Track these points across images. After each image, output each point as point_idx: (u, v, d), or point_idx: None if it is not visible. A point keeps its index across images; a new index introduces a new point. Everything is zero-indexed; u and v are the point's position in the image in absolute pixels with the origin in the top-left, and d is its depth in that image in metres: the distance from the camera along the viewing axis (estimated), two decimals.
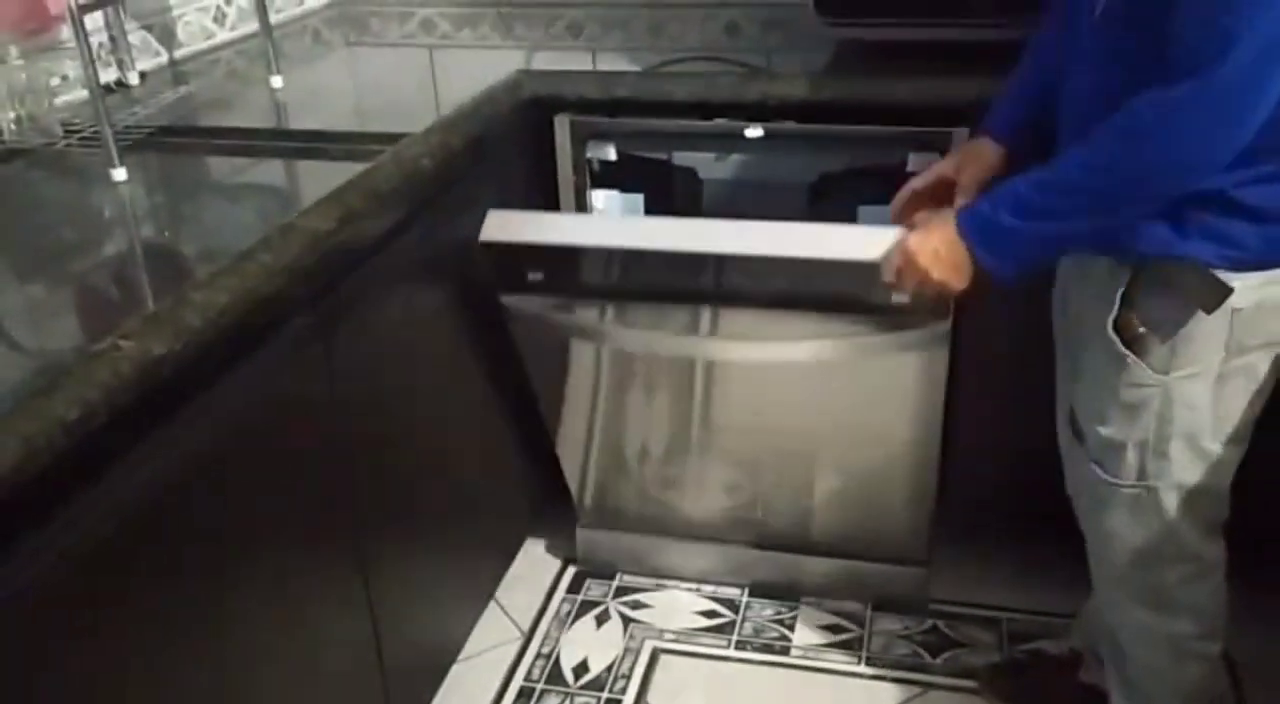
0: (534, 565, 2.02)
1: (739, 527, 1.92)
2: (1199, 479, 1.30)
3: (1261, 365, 1.24)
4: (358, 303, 1.31)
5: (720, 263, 1.53)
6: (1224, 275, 1.16)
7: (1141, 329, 1.21)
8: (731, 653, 1.83)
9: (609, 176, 1.76)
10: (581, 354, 1.70)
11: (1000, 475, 1.83)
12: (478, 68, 1.84)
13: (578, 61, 1.95)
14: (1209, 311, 1.17)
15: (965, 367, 1.72)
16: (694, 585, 1.97)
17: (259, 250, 1.08)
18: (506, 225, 1.51)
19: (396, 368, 1.43)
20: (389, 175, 1.31)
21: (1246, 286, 1.16)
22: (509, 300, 1.62)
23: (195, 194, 1.36)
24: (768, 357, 1.62)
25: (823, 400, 1.68)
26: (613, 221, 1.74)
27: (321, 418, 1.25)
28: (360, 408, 1.34)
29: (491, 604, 1.91)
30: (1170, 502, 1.31)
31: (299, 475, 1.22)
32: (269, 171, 1.42)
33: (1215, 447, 1.28)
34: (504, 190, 1.70)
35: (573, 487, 1.94)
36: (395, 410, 1.44)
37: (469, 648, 1.79)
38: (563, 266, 1.57)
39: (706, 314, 1.60)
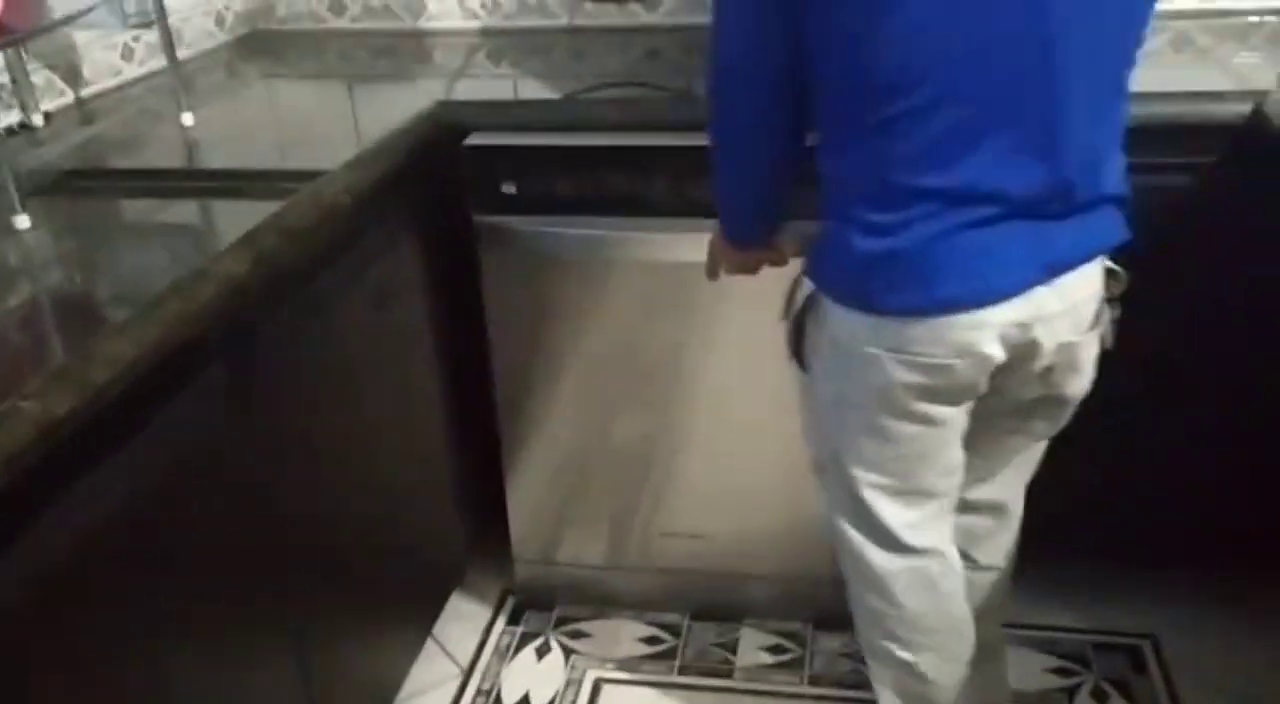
0: (472, 599, 1.99)
1: (680, 550, 1.91)
2: None
3: None
4: (277, 347, 1.28)
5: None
6: None
7: None
8: (675, 679, 1.82)
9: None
10: (550, 285, 1.71)
11: None
12: (398, 98, 1.82)
13: (499, 90, 1.94)
14: None
15: None
16: (635, 612, 1.95)
17: (169, 297, 1.05)
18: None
19: (321, 410, 1.40)
20: (304, 213, 1.28)
21: None
22: (482, 220, 1.67)
23: (104, 239, 1.31)
24: None
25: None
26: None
27: (242, 467, 1.22)
28: (283, 454, 1.30)
29: (429, 641, 1.87)
30: None
31: (218, 528, 1.18)
32: (181, 213, 1.39)
33: None
34: (425, 223, 1.68)
35: (513, 516, 1.92)
36: (322, 453, 1.41)
37: (407, 688, 1.76)
38: (538, 175, 1.62)
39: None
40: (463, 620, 1.95)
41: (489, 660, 1.88)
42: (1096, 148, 1.13)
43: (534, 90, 1.86)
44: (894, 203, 1.09)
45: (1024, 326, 1.14)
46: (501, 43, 2.13)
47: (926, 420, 1.22)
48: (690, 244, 1.52)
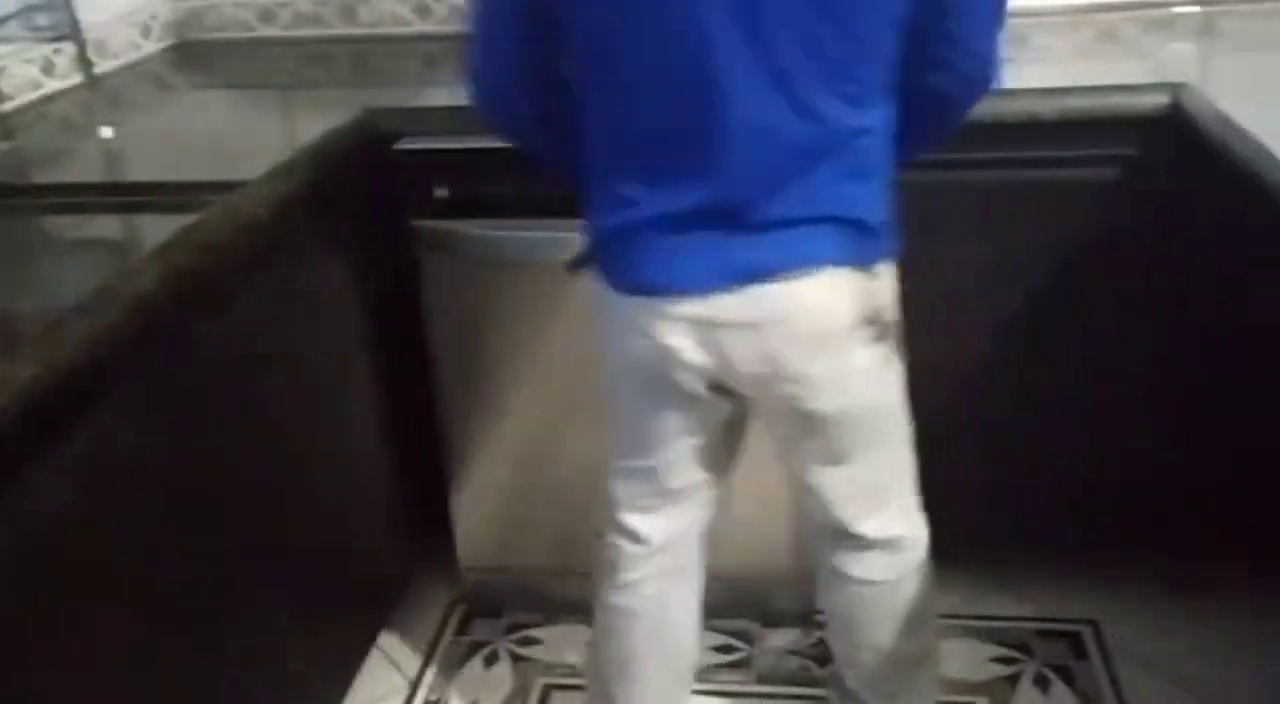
0: (420, 609, 1.98)
1: None
2: None
3: None
4: (200, 362, 1.26)
5: None
6: None
7: None
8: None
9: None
10: (490, 289, 1.70)
11: None
12: (332, 106, 1.80)
13: (436, 96, 1.92)
14: None
15: None
16: (585, 617, 1.94)
17: (72, 317, 1.03)
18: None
19: (250, 425, 1.38)
20: (219, 227, 1.27)
21: None
22: (418, 225, 1.65)
23: (16, 257, 1.29)
24: None
25: None
26: None
27: (162, 489, 1.20)
28: (208, 472, 1.29)
29: (374, 653, 1.86)
30: None
31: (141, 553, 1.17)
32: (96, 228, 1.37)
33: None
34: (357, 230, 1.66)
35: (458, 523, 1.90)
36: (254, 469, 1.39)
37: (352, 701, 1.74)
38: (471, 176, 1.61)
39: None
40: (410, 631, 1.93)
41: (436, 671, 1.86)
42: (775, 168, 1.12)
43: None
44: (610, 191, 1.20)
45: (707, 327, 1.19)
46: (437, 48, 2.11)
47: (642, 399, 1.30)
48: None
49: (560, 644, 1.90)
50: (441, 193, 1.64)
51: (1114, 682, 1.74)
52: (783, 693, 1.78)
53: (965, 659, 1.81)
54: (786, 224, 1.14)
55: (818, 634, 1.88)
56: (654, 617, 1.47)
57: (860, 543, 1.39)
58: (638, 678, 1.49)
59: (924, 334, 1.67)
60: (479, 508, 1.89)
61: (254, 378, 1.38)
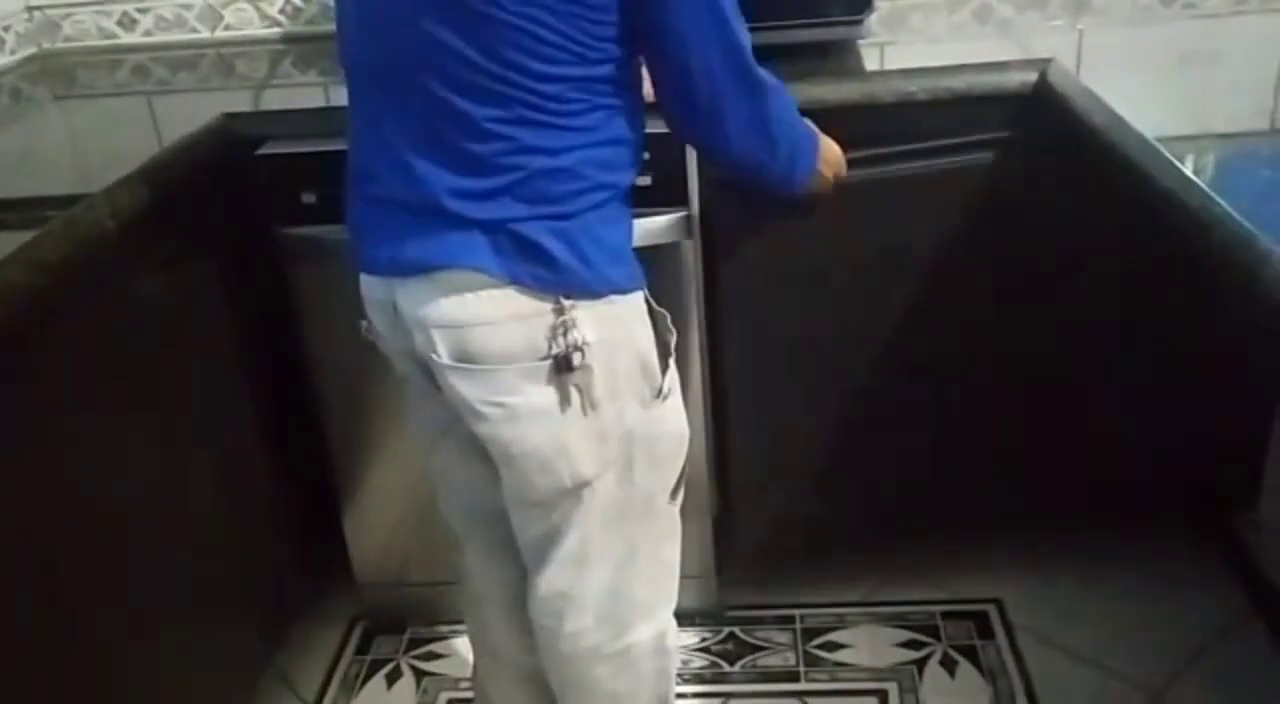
0: (317, 629, 1.92)
1: None
2: None
3: None
4: (45, 391, 1.19)
5: None
6: None
7: None
8: None
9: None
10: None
11: (779, 471, 1.85)
12: (198, 113, 1.72)
13: (309, 97, 1.86)
14: None
15: (726, 358, 1.73)
16: None
17: None
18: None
19: (112, 447, 1.31)
20: (58, 243, 1.20)
21: None
22: (285, 232, 1.59)
23: None
24: None
25: None
26: None
27: (12, 535, 1.13)
28: (65, 512, 1.22)
29: (271, 679, 1.79)
30: None
31: (7, 591, 1.10)
32: None
33: None
34: (221, 239, 1.60)
35: (352, 539, 1.85)
36: (115, 503, 1.32)
37: None
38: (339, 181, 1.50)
39: None
40: (308, 653, 1.87)
41: (337, 692, 1.80)
42: (409, 157, 1.10)
43: (342, 96, 1.78)
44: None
45: (390, 313, 1.18)
46: (307, 49, 2.05)
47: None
48: None
49: (464, 656, 1.85)
50: (309, 199, 1.58)
51: (1018, 658, 1.75)
52: (691, 692, 1.75)
53: (873, 646, 1.81)
54: (432, 216, 1.09)
55: (726, 630, 1.86)
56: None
57: (532, 595, 1.30)
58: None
59: (822, 321, 1.68)
60: (372, 522, 1.83)
61: (100, 397, 1.31)
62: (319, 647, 1.89)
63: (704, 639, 1.85)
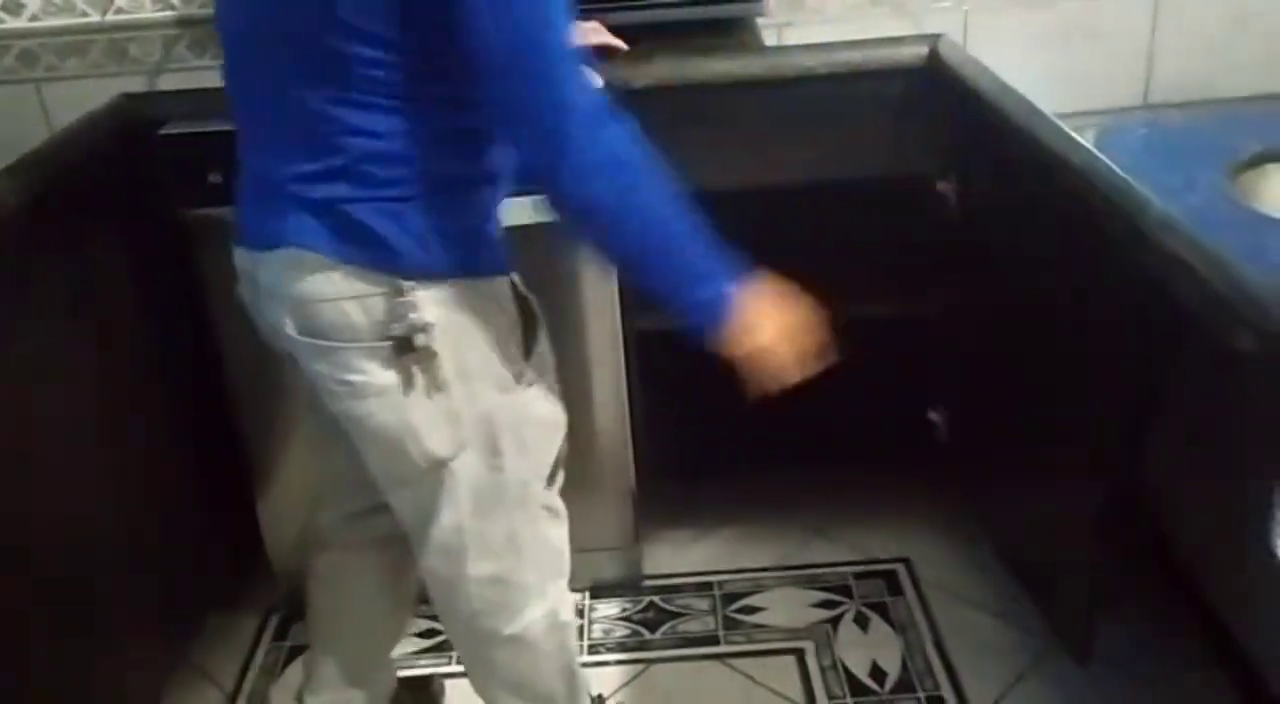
0: (233, 618, 1.89)
1: None
2: None
3: None
4: None
5: None
6: None
7: None
8: (453, 668, 1.78)
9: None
10: None
11: (693, 440, 1.89)
12: (91, 98, 1.68)
13: (207, 82, 1.83)
14: None
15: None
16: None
17: None
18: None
19: (9, 444, 1.28)
20: None
21: None
22: (190, 214, 1.57)
23: None
24: None
25: None
26: None
27: None
28: None
29: (188, 671, 1.76)
30: None
31: None
32: None
33: None
34: (122, 221, 1.56)
35: (266, 525, 1.82)
36: (17, 498, 1.29)
37: None
38: None
39: None
40: (225, 642, 1.85)
41: (255, 680, 1.78)
42: (263, 133, 1.14)
43: None
44: None
45: (254, 285, 1.19)
46: (202, 32, 2.01)
47: None
48: None
49: None
50: (215, 179, 1.56)
51: (927, 613, 1.83)
52: (613, 660, 1.78)
53: (789, 607, 1.86)
54: (296, 202, 1.10)
55: (646, 600, 1.89)
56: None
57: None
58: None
59: None
60: (287, 508, 1.81)
61: (18, 403, 1.28)
62: (237, 636, 1.86)
63: (624, 609, 1.88)
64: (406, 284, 1.10)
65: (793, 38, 1.82)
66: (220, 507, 1.80)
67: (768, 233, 1.93)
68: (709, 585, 1.92)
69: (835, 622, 1.83)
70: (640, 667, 1.76)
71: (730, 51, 1.65)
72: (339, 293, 1.11)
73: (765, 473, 2.02)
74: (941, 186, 1.68)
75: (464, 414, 1.17)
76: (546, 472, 1.30)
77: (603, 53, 1.57)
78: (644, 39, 1.65)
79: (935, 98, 1.59)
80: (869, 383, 1.96)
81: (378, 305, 1.10)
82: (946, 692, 1.67)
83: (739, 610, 1.87)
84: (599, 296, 1.69)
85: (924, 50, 1.59)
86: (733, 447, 2.00)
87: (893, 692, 1.68)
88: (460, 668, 1.74)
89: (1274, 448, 1.10)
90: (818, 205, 1.77)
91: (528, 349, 1.23)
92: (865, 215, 1.76)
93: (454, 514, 1.22)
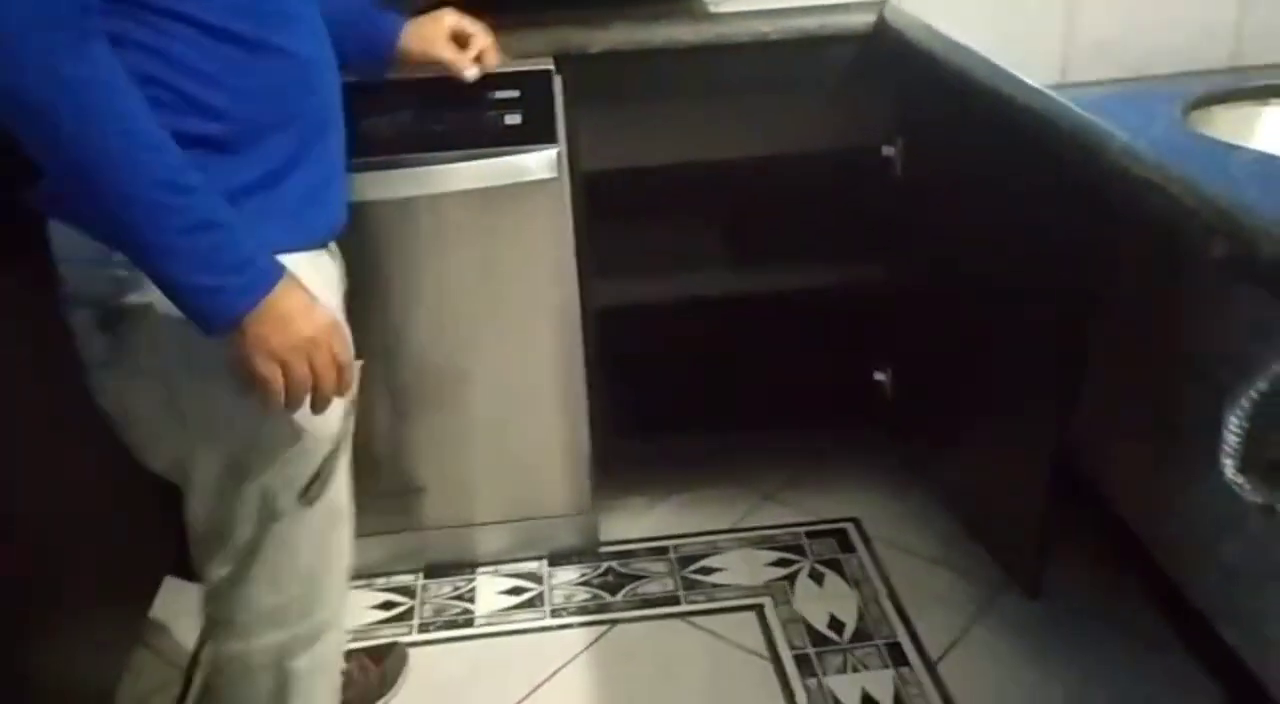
0: (183, 596, 1.84)
1: (403, 508, 1.86)
2: None
3: None
4: None
5: None
6: None
7: None
8: (415, 637, 1.77)
9: None
10: None
11: (647, 409, 1.92)
12: None
13: None
14: None
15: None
16: (365, 581, 1.88)
17: None
18: None
19: None
20: None
21: None
22: None
23: None
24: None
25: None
26: None
27: None
28: None
29: (139, 649, 1.72)
30: None
31: None
32: None
33: None
34: None
35: None
36: None
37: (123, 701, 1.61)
38: None
39: None
40: (176, 620, 1.80)
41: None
42: None
43: None
44: None
45: None
46: None
47: None
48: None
49: None
50: None
51: (879, 567, 1.88)
52: (577, 622, 1.79)
53: (746, 567, 1.90)
54: None
55: (604, 565, 1.91)
56: None
57: None
58: None
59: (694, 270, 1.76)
60: None
61: None
62: (185, 614, 1.81)
63: (583, 574, 1.90)
64: (120, 258, 0.97)
65: (741, 4, 1.86)
66: (155, 480, 1.75)
67: (717, 202, 2.00)
68: (665, 549, 1.95)
69: (791, 579, 1.87)
70: (604, 627, 1.78)
71: (679, 18, 1.68)
72: (73, 255, 1.04)
73: (716, 439, 2.07)
74: (887, 151, 1.74)
75: (189, 412, 1.08)
76: (301, 484, 1.14)
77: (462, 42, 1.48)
78: (598, 5, 1.67)
79: (884, 63, 1.65)
80: (815, 347, 2.03)
81: (101, 274, 1.01)
82: (903, 639, 1.73)
83: (697, 571, 1.90)
84: (555, 264, 1.71)
85: (872, 17, 1.65)
86: (685, 414, 2.04)
87: (851, 641, 1.73)
88: (423, 636, 1.76)
89: (1231, 363, 1.17)
90: (766, 173, 1.82)
91: None
92: (813, 182, 1.82)
93: (195, 511, 1.16)
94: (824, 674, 1.67)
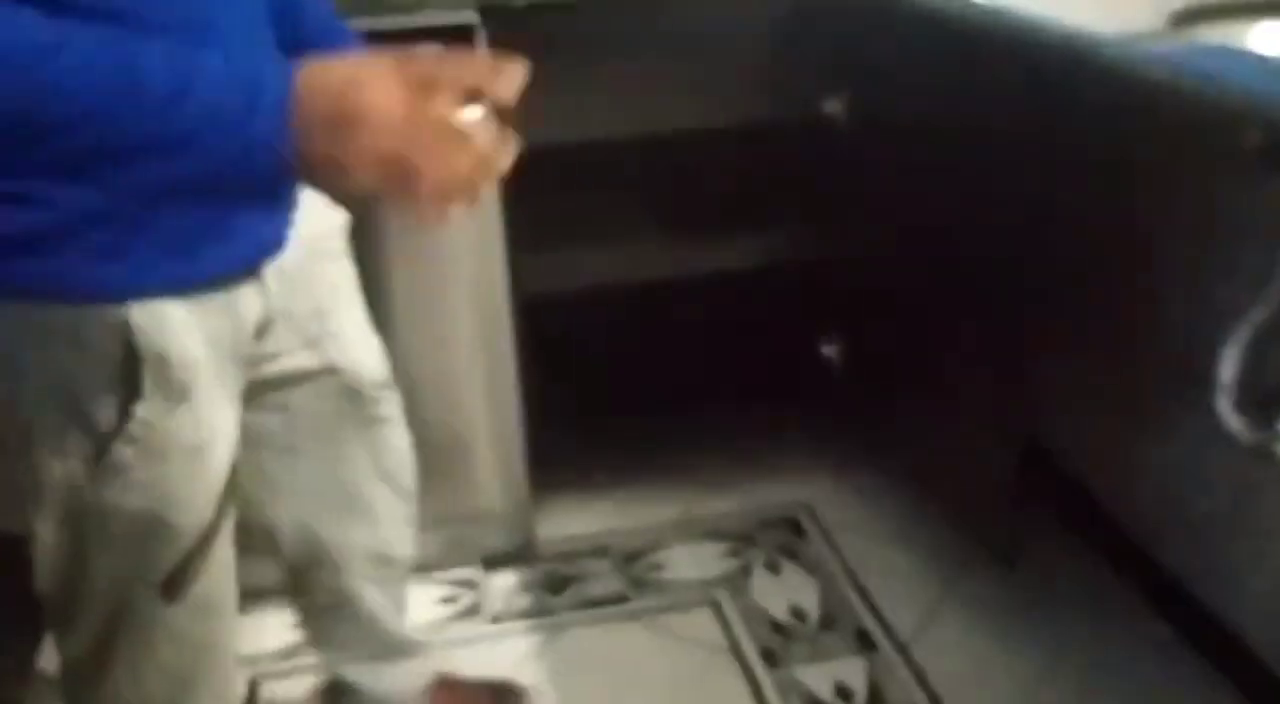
0: None
1: None
2: None
3: None
4: None
5: None
6: None
7: None
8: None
9: None
10: None
11: (582, 395, 1.80)
12: None
13: None
14: None
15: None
16: (278, 599, 1.69)
17: None
18: None
19: None
20: None
21: None
22: None
23: None
24: None
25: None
26: None
27: None
28: None
29: (37, 680, 1.52)
30: None
31: None
32: None
33: None
34: None
35: None
36: None
37: None
38: None
39: None
40: None
41: None
42: None
43: None
44: None
45: None
46: None
47: None
48: None
49: (257, 633, 1.65)
50: None
51: (836, 551, 1.79)
52: (518, 628, 1.65)
53: (695, 561, 1.78)
54: None
55: (543, 567, 1.77)
56: None
57: None
58: None
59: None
60: None
61: None
62: None
63: (523, 578, 1.75)
64: None
65: None
66: None
67: (650, 175, 1.89)
68: (607, 547, 1.82)
69: (746, 570, 1.76)
70: (549, 634, 1.64)
71: None
72: None
73: (656, 426, 1.95)
74: (829, 108, 1.65)
75: (25, 481, 0.88)
76: (160, 578, 0.94)
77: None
78: None
79: (823, 14, 1.57)
80: (757, 324, 1.93)
81: None
82: (870, 624, 1.63)
83: (644, 568, 1.77)
84: (479, 246, 1.58)
85: None
86: (620, 401, 1.93)
87: (817, 629, 1.63)
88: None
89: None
90: (701, 142, 1.72)
91: (125, 411, 0.85)
92: (752, 147, 1.73)
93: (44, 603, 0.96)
94: (791, 666, 1.56)
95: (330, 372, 1.10)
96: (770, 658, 1.58)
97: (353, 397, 1.14)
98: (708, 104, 1.72)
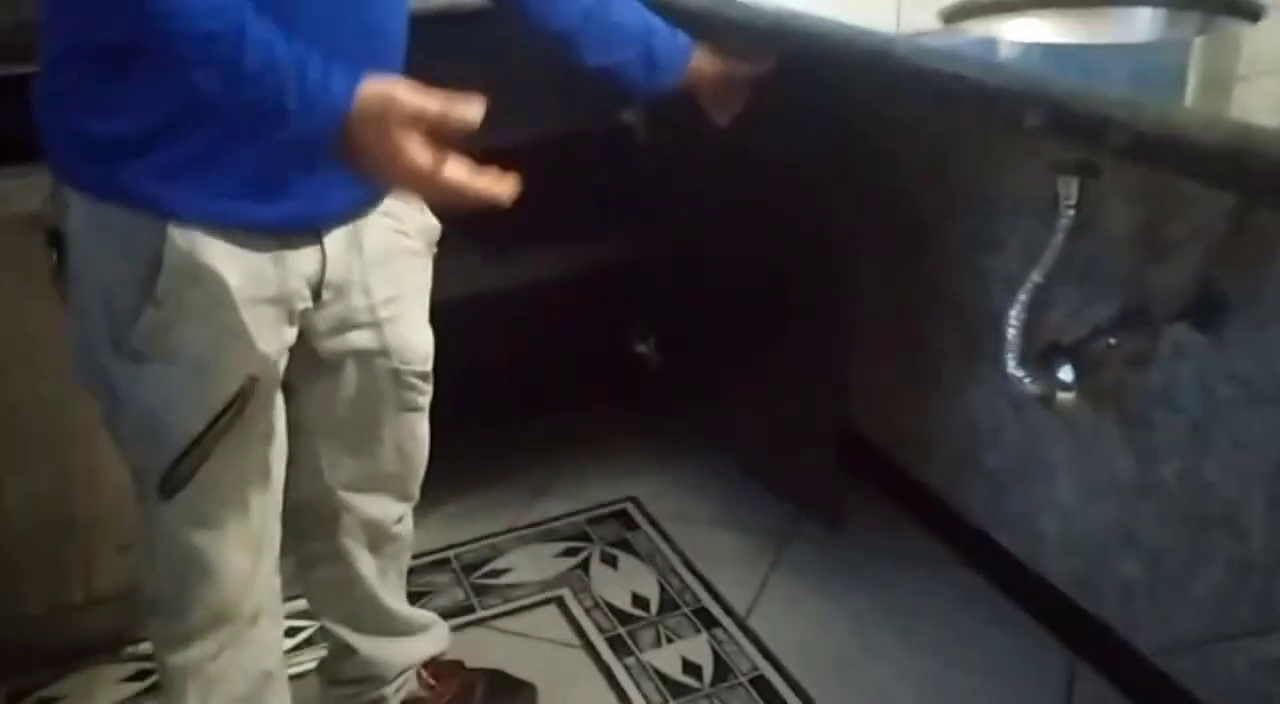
0: None
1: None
2: None
3: None
4: None
5: None
6: None
7: None
8: None
9: None
10: None
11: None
12: None
13: None
14: None
15: None
16: (109, 652, 1.62)
17: None
18: None
19: None
20: None
21: None
22: None
23: None
24: None
25: None
26: None
27: None
28: None
29: None
30: None
31: None
32: None
33: None
34: None
35: None
36: None
37: None
38: None
39: None
40: None
41: None
42: None
43: None
44: None
45: None
46: None
47: None
48: None
49: (88, 691, 1.56)
50: None
51: (667, 539, 1.86)
52: None
53: (534, 563, 1.82)
54: None
55: None
56: None
57: None
58: None
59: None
60: None
61: None
62: None
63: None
64: (55, 177, 1.00)
65: None
66: None
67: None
68: (446, 560, 1.83)
69: (584, 566, 1.81)
70: None
71: None
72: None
73: (480, 440, 1.97)
74: (627, 117, 1.74)
75: (85, 353, 1.04)
76: (155, 474, 1.05)
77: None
78: None
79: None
80: (570, 331, 1.99)
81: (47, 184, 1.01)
82: (708, 602, 1.72)
83: (484, 576, 1.79)
84: None
85: None
86: (443, 418, 1.93)
87: (659, 613, 1.70)
88: None
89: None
90: (507, 160, 1.76)
91: (136, 312, 0.99)
92: (553, 162, 1.77)
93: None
94: (640, 650, 1.63)
95: (384, 354, 1.19)
96: (619, 646, 1.63)
97: (398, 380, 1.22)
98: (508, 120, 1.75)
